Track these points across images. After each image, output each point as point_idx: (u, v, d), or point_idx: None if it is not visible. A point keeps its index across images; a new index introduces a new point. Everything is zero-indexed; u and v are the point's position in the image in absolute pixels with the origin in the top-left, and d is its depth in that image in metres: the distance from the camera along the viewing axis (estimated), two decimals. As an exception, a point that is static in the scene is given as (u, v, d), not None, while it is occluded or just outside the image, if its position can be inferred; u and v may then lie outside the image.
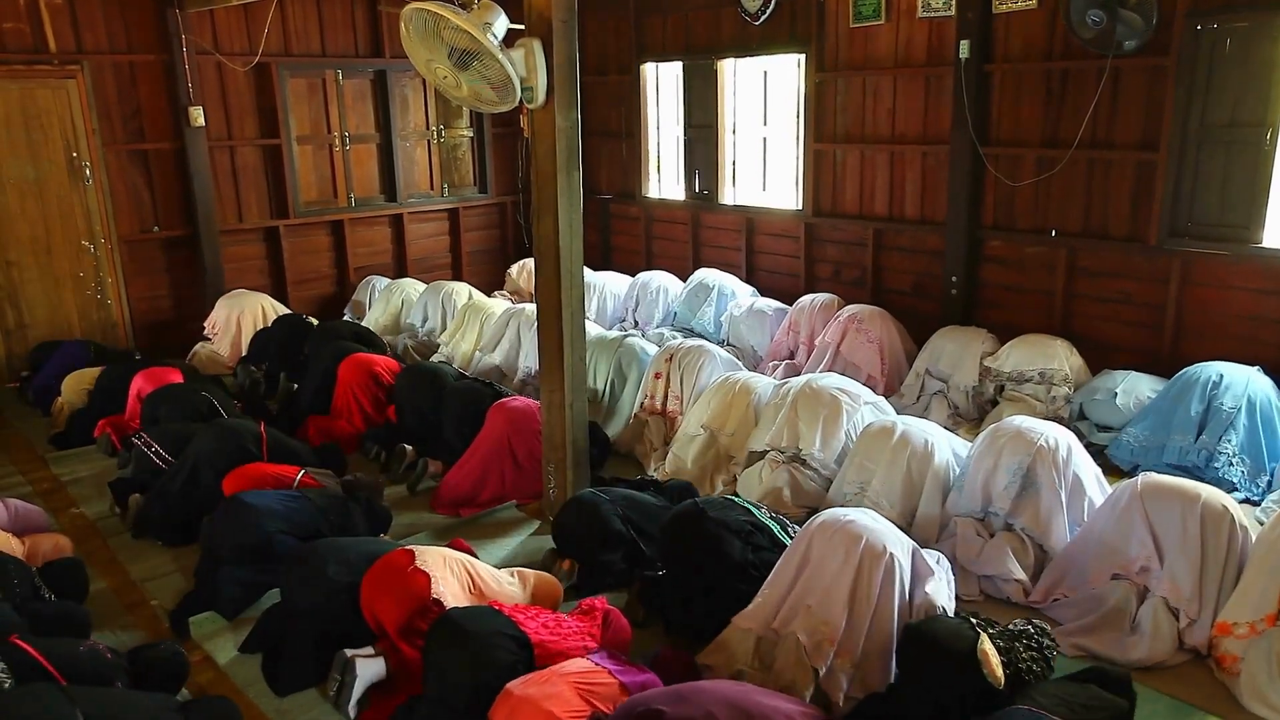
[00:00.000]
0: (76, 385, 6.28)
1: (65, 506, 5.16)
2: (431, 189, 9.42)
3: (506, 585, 3.72)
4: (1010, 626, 3.26)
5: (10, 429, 6.45)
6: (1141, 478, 4.00)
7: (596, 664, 3.12)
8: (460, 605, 3.43)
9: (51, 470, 5.68)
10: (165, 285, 7.93)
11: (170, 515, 4.70)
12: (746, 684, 3.12)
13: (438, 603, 3.42)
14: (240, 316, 7.51)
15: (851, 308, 6.90)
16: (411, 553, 3.60)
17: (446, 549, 3.82)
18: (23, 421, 6.55)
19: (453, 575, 3.55)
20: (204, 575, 4.19)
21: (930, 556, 3.69)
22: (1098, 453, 5.22)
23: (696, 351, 5.87)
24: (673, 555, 4.00)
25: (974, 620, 3.17)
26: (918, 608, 3.45)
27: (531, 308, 7.30)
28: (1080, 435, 5.12)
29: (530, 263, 9.18)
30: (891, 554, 3.44)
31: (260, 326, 7.46)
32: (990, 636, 3.07)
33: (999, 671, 2.96)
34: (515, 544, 4.69)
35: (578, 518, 4.25)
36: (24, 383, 6.98)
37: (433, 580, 3.46)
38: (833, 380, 5.24)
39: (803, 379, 5.27)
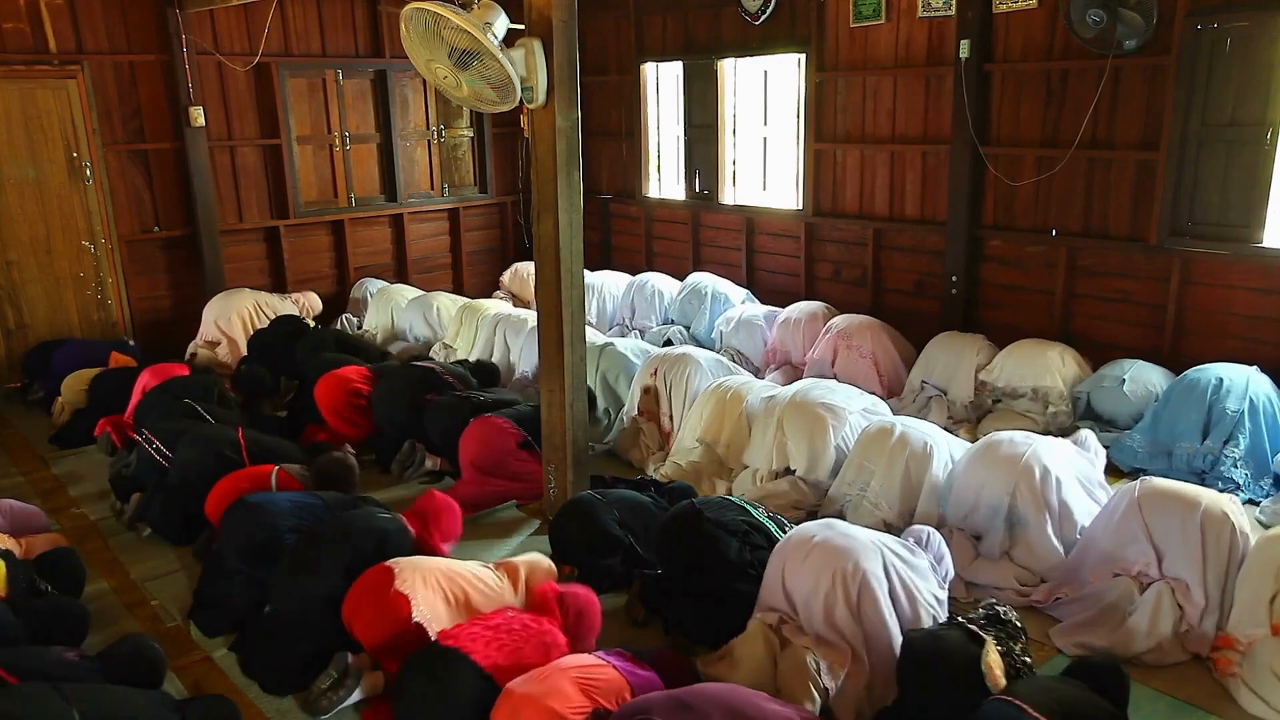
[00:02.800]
0: (76, 385, 6.28)
1: (65, 506, 5.17)
2: (431, 189, 9.42)
3: (494, 586, 3.62)
4: (984, 609, 3.28)
5: (10, 429, 6.45)
6: (1140, 485, 3.96)
7: (601, 659, 3.10)
8: (444, 623, 3.37)
9: (51, 470, 5.69)
10: (165, 285, 7.93)
11: (169, 514, 4.70)
12: (747, 689, 3.09)
13: (419, 625, 3.35)
14: (230, 320, 7.42)
15: (838, 321, 6.70)
16: (391, 572, 3.48)
17: (428, 561, 3.65)
18: (22, 421, 6.56)
19: (435, 593, 3.45)
20: (206, 590, 4.17)
21: (920, 533, 3.69)
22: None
23: (682, 362, 5.77)
24: (670, 556, 4.00)
25: (972, 627, 3.15)
26: (907, 617, 3.43)
27: (518, 312, 7.28)
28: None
29: (519, 266, 9.15)
30: (864, 570, 3.37)
31: (251, 324, 7.40)
32: (992, 640, 3.06)
33: (1002, 681, 2.96)
34: (515, 544, 4.69)
35: (574, 524, 4.23)
36: (27, 385, 6.96)
37: (413, 604, 3.37)
38: (819, 393, 5.10)
39: (790, 391, 5.16)
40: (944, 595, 3.65)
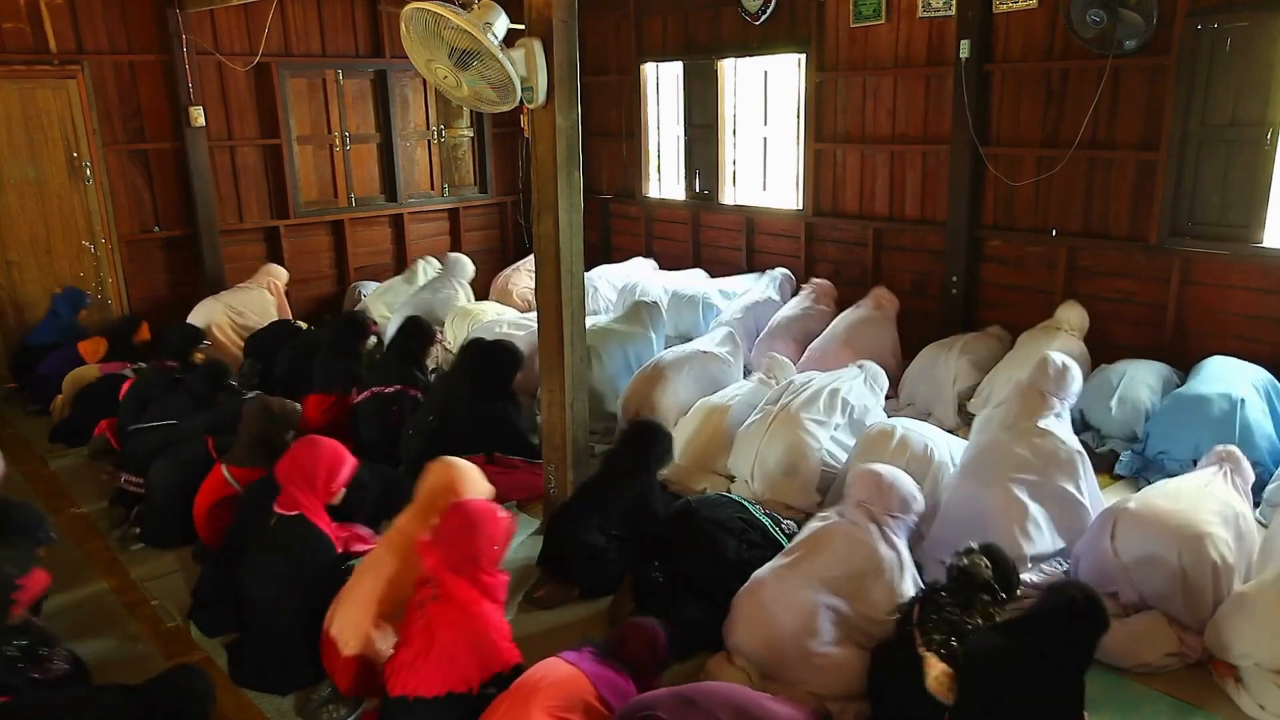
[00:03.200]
0: (76, 384, 6.28)
1: (65, 506, 5.17)
2: (432, 189, 9.42)
3: (414, 570, 3.45)
4: (952, 562, 3.21)
5: (10, 429, 6.45)
6: (1117, 520, 3.82)
7: (568, 661, 2.99)
8: (387, 642, 3.36)
9: (51, 469, 5.69)
10: (165, 285, 7.93)
11: (163, 531, 4.69)
12: (751, 690, 3.07)
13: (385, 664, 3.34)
14: (209, 331, 7.23)
15: (804, 360, 6.41)
16: (333, 639, 3.41)
17: (351, 594, 3.51)
18: (22, 421, 6.56)
19: (378, 627, 3.39)
20: (206, 590, 4.15)
21: (891, 492, 3.63)
22: (1099, 458, 5.13)
23: (659, 384, 5.65)
24: (667, 554, 3.98)
25: (921, 632, 3.10)
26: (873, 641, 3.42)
27: (491, 320, 7.20)
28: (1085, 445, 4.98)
29: (499, 279, 9.02)
30: (810, 650, 3.32)
31: (231, 333, 7.29)
32: (937, 642, 3.02)
33: (948, 694, 2.95)
34: (515, 543, 4.66)
35: (560, 543, 4.19)
36: (22, 385, 6.94)
37: (369, 656, 3.35)
38: (799, 417, 4.93)
39: (773, 412, 5.03)
40: (911, 577, 3.54)
